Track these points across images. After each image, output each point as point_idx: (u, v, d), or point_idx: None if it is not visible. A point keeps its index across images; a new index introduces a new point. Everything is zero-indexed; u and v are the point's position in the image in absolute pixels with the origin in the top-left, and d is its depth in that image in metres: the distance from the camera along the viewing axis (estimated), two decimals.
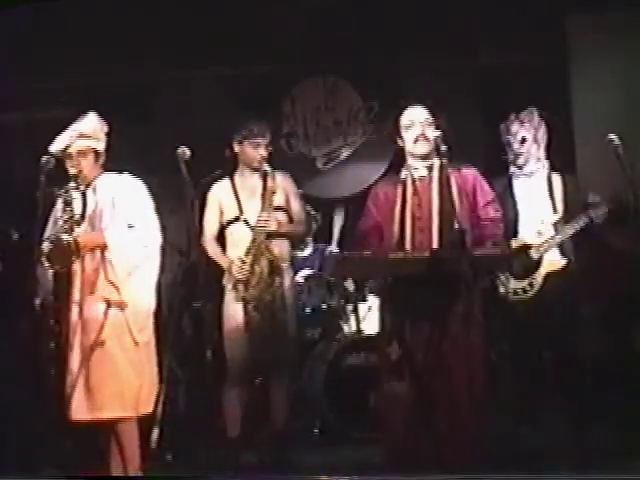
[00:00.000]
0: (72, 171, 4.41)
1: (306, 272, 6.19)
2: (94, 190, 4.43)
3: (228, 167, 5.08)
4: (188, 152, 4.31)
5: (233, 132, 5.04)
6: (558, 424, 4.70)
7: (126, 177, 4.50)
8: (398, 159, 4.59)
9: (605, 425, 4.75)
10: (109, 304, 4.25)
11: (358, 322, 6.00)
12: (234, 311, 4.91)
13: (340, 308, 6.07)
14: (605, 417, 4.77)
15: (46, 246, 4.20)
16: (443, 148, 4.15)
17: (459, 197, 4.25)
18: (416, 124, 4.37)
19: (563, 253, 4.94)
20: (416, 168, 4.42)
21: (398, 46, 6.61)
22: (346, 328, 6.05)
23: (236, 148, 5.06)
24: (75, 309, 4.27)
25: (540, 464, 4.35)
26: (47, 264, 4.18)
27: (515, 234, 4.95)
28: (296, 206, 5.10)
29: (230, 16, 6.40)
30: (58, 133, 4.50)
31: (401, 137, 4.43)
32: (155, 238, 4.40)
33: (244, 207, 4.98)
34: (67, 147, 4.41)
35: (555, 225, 4.92)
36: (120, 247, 4.29)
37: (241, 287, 4.89)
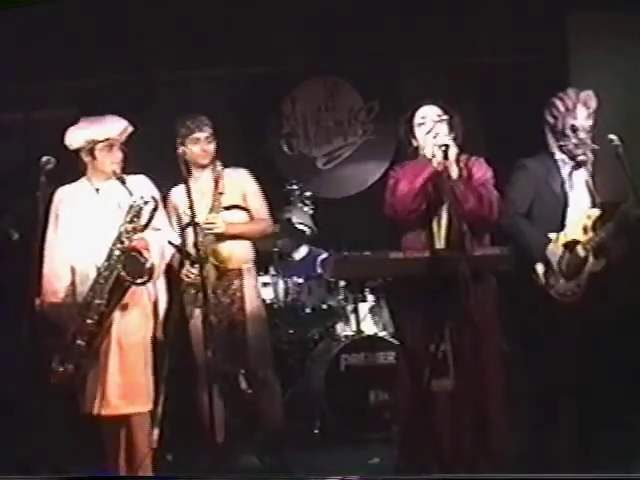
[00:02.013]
0: (110, 161, 4.41)
1: (302, 274, 6.17)
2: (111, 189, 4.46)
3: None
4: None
5: (174, 134, 4.87)
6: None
7: (141, 177, 4.51)
8: (402, 157, 4.56)
9: None
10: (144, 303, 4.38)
11: (358, 322, 6.00)
12: (192, 315, 4.80)
13: (340, 308, 6.07)
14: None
15: (119, 258, 4.24)
16: (451, 143, 4.17)
17: (466, 192, 4.20)
18: (430, 121, 4.33)
19: (601, 251, 4.57)
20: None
21: (398, 46, 6.62)
22: (346, 328, 6.04)
23: (181, 150, 4.83)
24: (118, 309, 4.32)
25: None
26: (129, 278, 4.22)
27: (562, 228, 4.59)
28: (255, 203, 4.93)
29: (230, 16, 6.40)
30: (58, 133, 4.50)
31: (414, 136, 4.38)
32: (176, 238, 4.48)
33: (197, 211, 4.68)
34: (110, 138, 4.41)
35: (596, 221, 4.57)
36: (156, 251, 4.35)
37: (192, 291, 4.78)
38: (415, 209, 4.22)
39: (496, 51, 6.70)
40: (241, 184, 4.92)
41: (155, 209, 4.29)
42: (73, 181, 4.55)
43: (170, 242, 4.42)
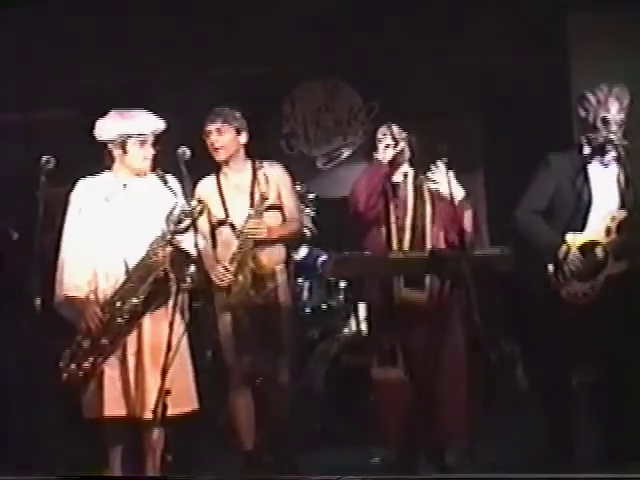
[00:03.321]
0: (143, 157, 4.35)
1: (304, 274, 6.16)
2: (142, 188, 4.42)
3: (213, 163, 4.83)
4: (188, 152, 4.28)
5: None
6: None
7: (171, 177, 4.43)
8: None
9: None
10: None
11: (358, 322, 6.00)
12: (225, 316, 4.70)
13: (340, 308, 6.07)
14: None
15: (166, 255, 4.19)
16: (408, 155, 4.55)
17: (433, 201, 4.53)
18: (388, 137, 4.56)
19: (623, 254, 4.38)
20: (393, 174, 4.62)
21: (398, 46, 6.62)
22: (346, 328, 6.04)
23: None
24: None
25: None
26: (174, 276, 4.17)
27: (583, 229, 4.42)
28: (290, 203, 4.77)
29: (230, 16, 6.41)
30: (58, 133, 4.49)
31: (377, 150, 4.58)
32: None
33: (230, 209, 4.69)
34: (144, 133, 4.36)
35: (622, 223, 4.38)
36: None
37: (223, 294, 4.65)
38: (372, 206, 4.49)
39: (496, 51, 6.70)
40: (276, 181, 4.70)
41: (201, 212, 4.21)
42: (92, 174, 4.46)
43: (171, 243, 4.37)
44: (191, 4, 6.40)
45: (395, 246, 4.50)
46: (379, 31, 6.55)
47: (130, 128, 4.33)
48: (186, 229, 4.19)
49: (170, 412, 4.07)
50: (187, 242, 4.24)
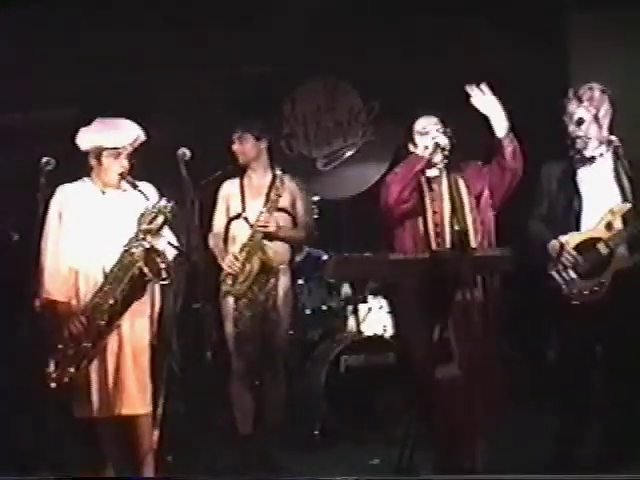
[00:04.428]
0: (116, 169, 4.36)
1: (302, 275, 6.18)
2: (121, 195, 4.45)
3: (234, 166, 5.11)
4: (188, 152, 4.31)
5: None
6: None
7: (145, 183, 4.47)
8: (399, 160, 4.61)
9: None
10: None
11: (358, 323, 6.00)
12: (228, 305, 4.98)
13: (340, 309, 6.08)
14: None
15: (140, 256, 4.23)
16: (447, 153, 4.38)
17: (468, 197, 4.39)
18: (431, 131, 4.46)
19: (633, 248, 4.35)
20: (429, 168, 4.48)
21: (398, 46, 6.62)
22: (346, 329, 6.04)
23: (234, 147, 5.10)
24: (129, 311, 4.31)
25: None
26: (148, 272, 4.21)
27: (577, 227, 4.42)
28: (302, 210, 5.10)
29: (230, 16, 6.41)
30: (58, 133, 4.49)
31: (414, 143, 4.49)
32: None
33: (247, 205, 5.01)
34: (117, 147, 4.36)
35: (626, 216, 4.34)
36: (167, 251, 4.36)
37: (229, 281, 4.93)
38: (404, 200, 4.36)
39: (496, 51, 6.69)
40: (292, 190, 5.07)
41: (172, 213, 4.28)
42: (74, 180, 4.50)
43: (170, 243, 4.40)
44: (191, 4, 6.40)
45: (433, 241, 4.36)
46: (379, 31, 6.55)
47: (104, 141, 4.36)
48: (160, 227, 4.28)
49: (125, 411, 4.23)
50: (166, 239, 4.34)
